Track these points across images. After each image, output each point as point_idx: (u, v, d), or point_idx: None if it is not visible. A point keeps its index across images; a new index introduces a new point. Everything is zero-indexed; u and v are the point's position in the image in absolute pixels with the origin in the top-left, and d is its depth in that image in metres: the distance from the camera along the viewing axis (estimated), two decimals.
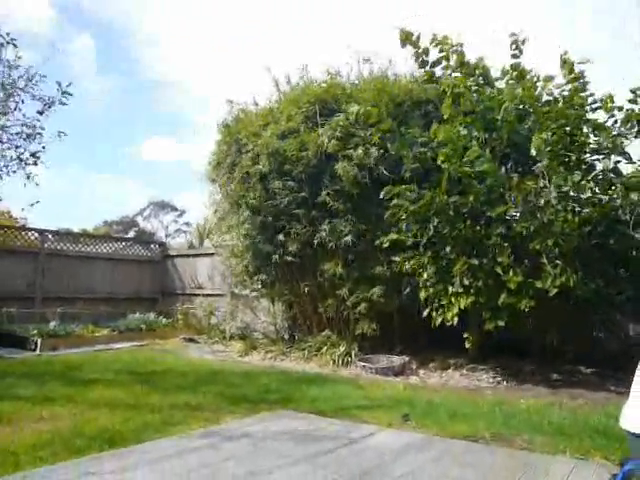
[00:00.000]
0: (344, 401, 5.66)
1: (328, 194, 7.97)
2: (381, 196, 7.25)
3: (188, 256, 13.13)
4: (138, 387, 6.23)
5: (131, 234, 36.23)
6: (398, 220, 7.28)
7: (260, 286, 9.41)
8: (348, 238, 7.85)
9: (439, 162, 6.83)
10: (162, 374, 7.11)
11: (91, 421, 4.73)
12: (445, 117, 6.91)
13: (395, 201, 7.23)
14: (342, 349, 8.21)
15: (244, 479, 3.39)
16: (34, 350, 9.19)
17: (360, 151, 7.73)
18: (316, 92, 8.62)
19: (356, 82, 8.77)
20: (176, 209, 41.77)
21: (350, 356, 8.11)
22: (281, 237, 8.42)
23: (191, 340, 10.77)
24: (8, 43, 7.13)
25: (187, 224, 37.91)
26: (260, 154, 8.50)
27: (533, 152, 6.15)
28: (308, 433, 4.52)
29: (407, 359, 7.84)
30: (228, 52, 44.48)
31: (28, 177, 7.59)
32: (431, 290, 7.08)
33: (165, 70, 53.77)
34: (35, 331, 9.64)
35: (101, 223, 38.93)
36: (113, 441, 4.14)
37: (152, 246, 14.12)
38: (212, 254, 11.81)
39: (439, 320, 7.00)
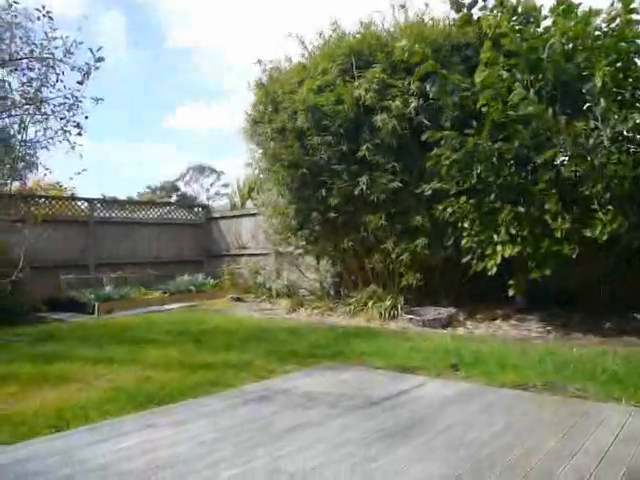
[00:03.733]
0: (392, 353, 5.70)
1: (367, 147, 7.86)
2: (423, 139, 7.10)
3: (231, 217, 13.27)
4: (190, 346, 6.44)
5: (173, 199, 36.83)
6: (440, 169, 7.12)
7: (304, 243, 9.46)
8: (390, 188, 7.77)
9: (480, 107, 6.60)
10: (212, 333, 7.31)
11: (149, 379, 4.92)
12: (485, 61, 6.62)
13: (436, 150, 7.07)
14: (388, 303, 8.23)
15: (294, 430, 3.48)
16: (92, 313, 9.59)
17: (398, 102, 7.56)
18: (350, 44, 8.40)
19: (391, 29, 8.49)
20: (215, 171, 42.10)
21: (397, 309, 8.13)
22: (322, 192, 8.38)
23: (238, 299, 10.99)
24: (44, 16, 7.17)
25: (225, 186, 38.17)
26: (297, 111, 8.40)
27: (598, 83, 5.77)
28: (357, 385, 4.59)
29: (454, 311, 7.81)
30: (257, 12, 43.55)
31: (73, 147, 7.72)
32: (475, 239, 6.97)
33: (193, 38, 53.28)
34: (92, 296, 10.05)
35: (144, 189, 39.66)
36: (170, 397, 4.31)
37: (195, 209, 14.33)
38: (254, 214, 11.91)
39: (479, 267, 6.94)
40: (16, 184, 9.08)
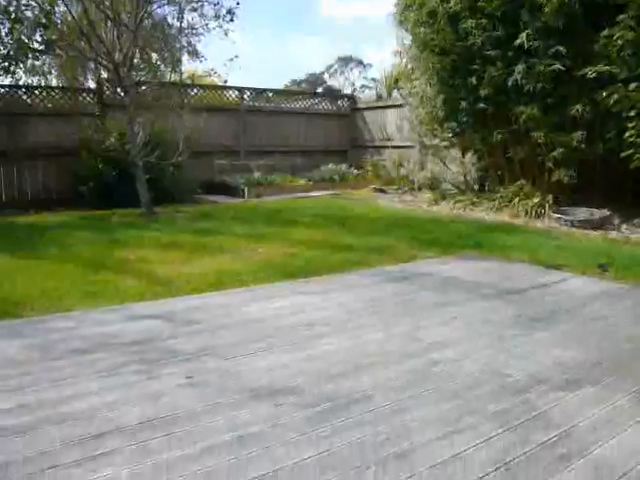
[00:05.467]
0: (536, 249, 5.56)
1: (527, 32, 7.21)
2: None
3: (376, 108, 13.11)
4: (335, 229, 6.76)
5: (319, 91, 36.81)
6: (610, 52, 6.43)
7: (450, 135, 9.19)
8: (549, 72, 7.15)
9: None
10: (355, 219, 7.57)
11: (296, 254, 5.32)
12: None
13: (606, 32, 6.36)
14: (535, 200, 7.87)
15: (434, 307, 3.64)
16: (242, 197, 10.30)
17: None
18: None
19: None
20: (361, 63, 41.09)
21: (544, 208, 7.77)
22: (473, 81, 7.94)
23: (380, 191, 11.13)
24: None
25: (373, 80, 37.32)
26: None
27: None
28: (498, 274, 4.60)
29: (608, 213, 7.29)
30: None
31: (225, 34, 8.00)
32: None
33: None
34: (242, 180, 10.73)
35: (289, 82, 39.99)
36: (316, 271, 4.65)
37: (341, 101, 14.32)
38: (400, 105, 11.64)
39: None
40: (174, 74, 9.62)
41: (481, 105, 7.98)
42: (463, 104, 8.30)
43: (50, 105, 9.58)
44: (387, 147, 12.34)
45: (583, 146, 7.18)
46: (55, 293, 4.03)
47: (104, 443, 2.00)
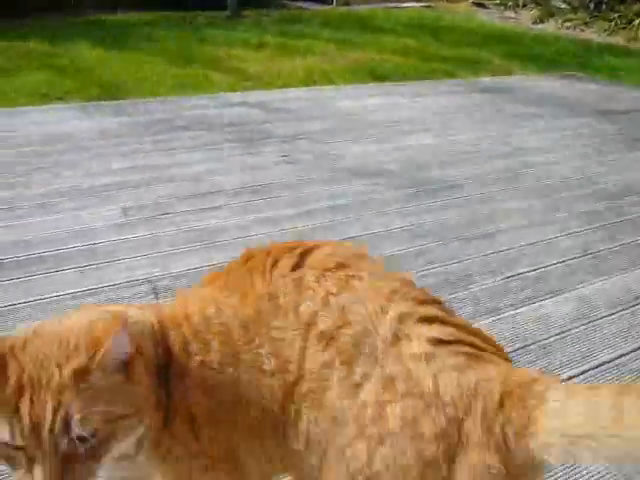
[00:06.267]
0: None
1: None
2: None
3: None
4: (428, 39, 6.38)
5: None
6: None
7: None
8: None
9: None
10: (449, 31, 7.05)
11: (387, 60, 5.13)
12: None
13: None
14: None
15: (529, 118, 3.51)
16: (330, 4, 9.71)
17: None
18: None
19: None
20: None
21: None
22: None
23: (480, 5, 10.15)
24: None
25: None
26: None
27: None
28: (601, 94, 4.30)
29: None
30: None
31: None
32: None
33: None
34: None
35: None
36: (406, 76, 4.53)
37: None
38: None
39: None
40: None
41: None
42: None
43: None
44: None
45: None
46: (150, 81, 4.16)
47: (210, 200, 2.20)
